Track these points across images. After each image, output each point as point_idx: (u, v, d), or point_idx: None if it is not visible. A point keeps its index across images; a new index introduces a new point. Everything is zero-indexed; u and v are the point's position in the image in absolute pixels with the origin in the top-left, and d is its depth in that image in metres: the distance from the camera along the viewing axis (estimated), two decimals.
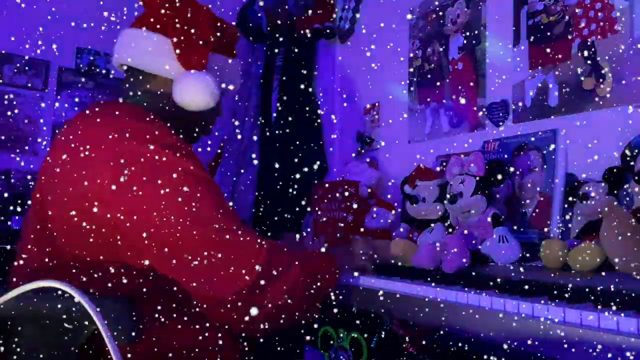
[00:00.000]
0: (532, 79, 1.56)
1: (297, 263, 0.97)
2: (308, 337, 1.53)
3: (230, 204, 1.02)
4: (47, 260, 0.91)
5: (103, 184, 0.85)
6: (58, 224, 0.90)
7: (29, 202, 0.99)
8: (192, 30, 1.03)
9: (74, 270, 0.88)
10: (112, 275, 0.88)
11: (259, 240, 0.93)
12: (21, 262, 0.96)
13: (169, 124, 1.03)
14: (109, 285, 0.88)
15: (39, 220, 0.93)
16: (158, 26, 1.04)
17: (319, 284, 1.01)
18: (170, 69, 1.04)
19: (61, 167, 0.90)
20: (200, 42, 1.04)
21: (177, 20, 1.02)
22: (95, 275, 0.87)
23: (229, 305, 0.88)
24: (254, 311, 0.90)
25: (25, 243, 0.96)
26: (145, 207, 0.85)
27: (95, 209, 0.86)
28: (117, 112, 0.94)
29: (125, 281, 0.89)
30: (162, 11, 1.02)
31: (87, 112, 0.98)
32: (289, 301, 0.93)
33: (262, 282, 0.89)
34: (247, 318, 0.90)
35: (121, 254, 0.88)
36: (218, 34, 1.09)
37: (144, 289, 0.90)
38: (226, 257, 0.87)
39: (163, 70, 1.05)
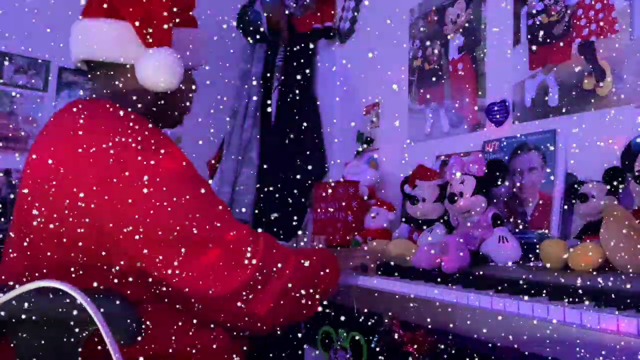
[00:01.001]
0: (532, 79, 1.56)
1: (293, 258, 0.97)
2: (308, 337, 1.53)
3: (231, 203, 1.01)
4: (27, 263, 0.90)
5: (88, 189, 0.84)
6: (40, 227, 0.88)
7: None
8: (149, 8, 0.96)
9: (54, 274, 0.87)
10: (97, 278, 0.87)
11: (254, 236, 0.92)
12: (5, 264, 0.95)
13: (148, 114, 1.01)
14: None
15: (22, 223, 0.92)
16: (112, 11, 0.98)
17: (317, 281, 1.00)
18: (134, 53, 0.98)
19: (44, 171, 0.88)
20: (160, 19, 0.97)
21: (130, 0, 0.96)
22: (76, 280, 0.86)
23: (226, 303, 0.88)
24: (252, 307, 0.89)
25: (9, 245, 0.95)
26: (134, 212, 0.83)
27: (80, 214, 0.84)
28: (96, 113, 0.91)
29: (111, 284, 0.87)
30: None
31: (66, 112, 0.95)
32: (287, 296, 0.93)
33: (260, 277, 0.89)
34: (245, 315, 0.90)
35: (111, 257, 0.86)
36: (175, 6, 1.01)
37: (135, 292, 0.89)
38: (222, 255, 0.86)
39: (127, 57, 0.99)
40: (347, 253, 1.19)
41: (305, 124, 2.37)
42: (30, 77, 2.85)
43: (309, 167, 2.30)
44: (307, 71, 2.43)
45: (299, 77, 2.41)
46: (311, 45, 2.48)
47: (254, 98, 2.48)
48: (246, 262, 0.88)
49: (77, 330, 0.76)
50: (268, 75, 2.50)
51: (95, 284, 0.85)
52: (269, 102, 2.50)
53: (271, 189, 2.28)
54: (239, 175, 2.46)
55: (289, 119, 2.37)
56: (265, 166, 2.40)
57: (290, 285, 0.93)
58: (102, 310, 0.70)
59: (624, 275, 0.89)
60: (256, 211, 2.34)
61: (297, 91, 2.40)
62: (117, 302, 0.74)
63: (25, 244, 0.90)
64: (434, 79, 1.93)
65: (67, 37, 1.03)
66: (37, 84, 2.86)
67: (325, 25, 2.43)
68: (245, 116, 2.51)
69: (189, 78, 1.10)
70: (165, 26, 0.98)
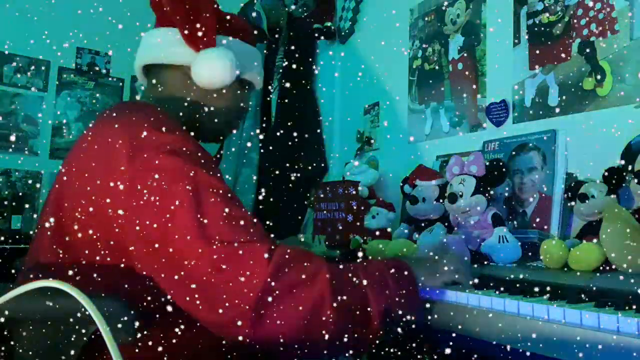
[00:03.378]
0: (532, 79, 1.56)
1: (325, 275, 0.79)
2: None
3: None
4: (56, 259, 0.91)
5: (116, 193, 0.84)
6: (72, 224, 0.89)
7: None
8: (196, 14, 1.02)
9: (82, 270, 0.87)
10: (118, 278, 0.87)
11: (268, 253, 0.80)
12: (32, 258, 0.96)
13: (193, 122, 1.06)
14: (114, 288, 0.87)
15: (54, 219, 0.93)
16: (166, 20, 1.05)
17: (369, 296, 0.81)
18: (182, 55, 1.04)
19: (78, 171, 0.90)
20: (204, 23, 1.03)
21: (181, 9, 1.02)
22: (101, 278, 0.86)
23: (231, 325, 0.78)
24: (262, 330, 0.78)
25: (38, 240, 0.96)
26: (152, 220, 0.83)
27: (107, 216, 0.85)
28: (137, 117, 0.92)
29: (130, 284, 0.87)
30: (167, 7, 1.02)
31: (110, 114, 0.97)
32: (312, 322, 0.77)
33: (270, 298, 0.76)
34: (255, 337, 0.78)
35: (130, 260, 0.87)
36: (225, 18, 1.09)
37: (148, 294, 0.89)
38: (227, 273, 0.79)
39: (174, 57, 1.05)
40: (432, 264, 0.94)
41: (305, 124, 2.37)
42: (30, 77, 2.85)
43: (309, 167, 2.30)
44: (307, 71, 2.43)
45: (299, 77, 2.41)
46: (311, 45, 2.48)
47: (254, 98, 2.48)
48: (253, 281, 0.77)
49: (77, 330, 0.76)
50: (268, 75, 2.49)
51: (109, 282, 0.85)
52: (269, 102, 2.50)
53: (271, 189, 2.28)
54: (239, 175, 2.46)
55: (289, 119, 2.37)
56: (265, 166, 2.40)
57: (315, 309, 0.77)
58: (102, 310, 0.70)
59: (624, 275, 0.89)
60: (256, 211, 2.34)
61: (297, 91, 2.40)
62: (117, 302, 0.74)
63: (56, 239, 0.91)
64: (434, 79, 1.93)
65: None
66: (37, 84, 2.87)
67: (325, 25, 2.43)
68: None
69: (238, 94, 1.12)
70: (208, 29, 1.02)
